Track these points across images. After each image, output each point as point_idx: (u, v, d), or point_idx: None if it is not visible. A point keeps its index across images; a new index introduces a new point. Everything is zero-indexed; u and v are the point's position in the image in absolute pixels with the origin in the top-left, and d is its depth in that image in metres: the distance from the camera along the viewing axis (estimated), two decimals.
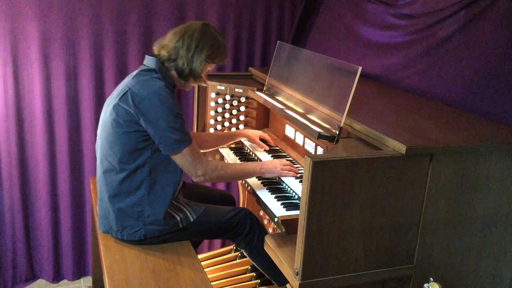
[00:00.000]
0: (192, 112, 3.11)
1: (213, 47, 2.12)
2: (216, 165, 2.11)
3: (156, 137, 1.99)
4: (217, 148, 2.68)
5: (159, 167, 2.08)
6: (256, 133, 2.65)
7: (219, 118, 2.90)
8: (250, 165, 2.22)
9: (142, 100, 1.97)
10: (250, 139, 2.64)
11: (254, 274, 2.72)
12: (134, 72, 2.12)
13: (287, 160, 2.36)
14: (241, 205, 3.19)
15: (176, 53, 2.10)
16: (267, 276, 2.44)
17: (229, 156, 2.66)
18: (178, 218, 2.14)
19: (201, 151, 2.59)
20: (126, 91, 2.01)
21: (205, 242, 3.55)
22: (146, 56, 2.15)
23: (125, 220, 2.11)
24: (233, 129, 2.89)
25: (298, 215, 1.72)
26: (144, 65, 2.15)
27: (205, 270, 2.28)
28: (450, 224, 1.79)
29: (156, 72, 2.08)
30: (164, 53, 2.12)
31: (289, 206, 2.00)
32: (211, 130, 2.93)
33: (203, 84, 2.32)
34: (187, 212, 2.18)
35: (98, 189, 2.20)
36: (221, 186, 3.37)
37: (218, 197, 2.60)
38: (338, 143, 1.91)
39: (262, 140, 2.67)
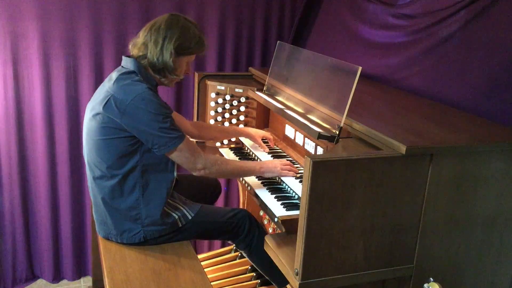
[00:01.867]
0: (192, 112, 3.11)
1: (182, 38, 2.04)
2: (216, 159, 2.10)
3: (149, 140, 1.97)
4: (218, 139, 2.65)
5: (151, 168, 2.06)
6: (258, 133, 2.64)
7: (219, 118, 2.90)
8: (250, 163, 2.22)
9: (127, 106, 1.93)
10: (252, 139, 2.64)
11: (254, 274, 2.72)
12: (114, 76, 2.04)
13: (287, 160, 2.36)
14: (241, 206, 3.19)
15: (145, 48, 2.05)
16: (266, 277, 2.44)
17: (229, 156, 2.66)
18: (176, 217, 2.14)
19: (202, 140, 2.57)
20: (109, 98, 1.95)
21: (205, 242, 3.55)
22: (124, 58, 2.10)
23: (124, 224, 2.11)
24: None
25: (298, 215, 1.72)
26: (123, 67, 2.09)
27: (205, 270, 2.27)
28: (450, 224, 1.79)
29: (136, 74, 2.03)
30: (135, 50, 2.08)
31: (289, 206, 2.00)
32: None
33: (181, 78, 2.19)
34: (184, 210, 2.17)
35: (91, 195, 2.19)
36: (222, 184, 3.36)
37: (204, 185, 2.61)
38: (338, 143, 1.91)
39: (264, 140, 2.67)
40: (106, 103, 1.96)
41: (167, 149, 1.99)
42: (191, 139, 2.08)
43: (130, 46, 2.11)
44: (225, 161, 2.15)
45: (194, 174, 2.09)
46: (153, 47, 2.03)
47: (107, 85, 2.04)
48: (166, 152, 2.01)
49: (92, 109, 2.05)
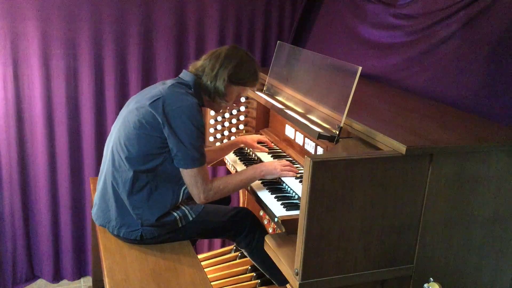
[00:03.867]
0: None
1: (237, 68, 2.16)
2: (218, 186, 2.11)
3: (174, 148, 2.01)
4: (217, 159, 2.66)
5: (165, 176, 2.09)
6: (253, 138, 2.66)
7: (219, 118, 2.90)
8: (249, 172, 2.19)
9: (173, 110, 2.00)
10: (248, 145, 2.64)
11: (254, 274, 2.72)
12: (168, 82, 2.15)
13: (286, 160, 2.36)
14: (241, 205, 3.19)
15: (202, 70, 2.17)
16: (267, 276, 2.45)
17: (230, 157, 2.66)
18: (177, 217, 2.14)
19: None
20: (159, 98, 2.03)
21: (205, 242, 3.55)
22: (184, 71, 2.21)
23: (126, 218, 2.11)
24: (233, 129, 2.89)
25: (298, 215, 1.72)
26: (180, 77, 2.19)
27: (205, 270, 2.28)
28: (450, 224, 1.79)
29: (190, 87, 2.13)
30: (192, 69, 2.20)
31: (289, 206, 2.00)
32: (211, 130, 2.93)
33: (228, 106, 2.35)
34: (186, 211, 2.18)
35: (101, 181, 2.20)
36: None
37: None
38: (338, 143, 1.91)
39: (263, 144, 2.67)
40: (154, 100, 2.03)
41: (184, 165, 2.03)
42: (207, 168, 2.11)
43: (190, 66, 2.24)
44: (225, 184, 2.14)
45: (196, 201, 2.12)
46: (210, 70, 2.16)
47: (159, 87, 2.12)
48: (181, 167, 2.04)
49: (137, 102, 2.11)
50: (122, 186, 2.09)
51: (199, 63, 2.21)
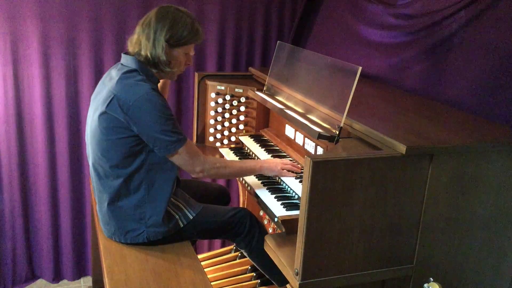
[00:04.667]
0: (192, 112, 3.11)
1: (173, 29, 2.01)
2: (215, 162, 2.11)
3: (150, 141, 1.97)
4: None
5: (156, 167, 2.07)
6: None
7: (219, 118, 2.90)
8: (249, 163, 2.22)
9: (131, 106, 1.93)
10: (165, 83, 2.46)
11: (254, 274, 2.72)
12: (114, 74, 2.03)
13: (287, 159, 2.36)
14: (241, 205, 3.19)
15: (139, 44, 2.04)
16: (267, 276, 2.44)
17: (229, 156, 2.66)
18: (177, 217, 2.14)
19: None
20: (112, 98, 1.95)
21: (205, 242, 3.55)
22: (123, 55, 2.08)
23: (127, 224, 2.10)
24: (233, 129, 2.89)
25: (298, 215, 1.72)
26: (123, 64, 2.07)
27: (205, 270, 2.28)
28: (450, 224, 1.79)
29: (138, 72, 2.02)
30: (131, 48, 2.07)
31: (289, 206, 2.00)
32: (211, 130, 2.93)
33: (181, 70, 2.15)
34: (185, 210, 2.18)
35: (96, 196, 2.18)
36: (221, 182, 3.36)
37: (215, 192, 2.60)
38: (338, 143, 1.91)
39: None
40: (109, 102, 1.95)
41: (167, 152, 2.00)
42: (192, 142, 2.07)
43: (128, 44, 2.10)
44: (224, 164, 2.14)
45: (193, 176, 2.10)
46: (146, 41, 2.01)
47: (108, 84, 2.02)
48: (166, 154, 2.01)
49: (95, 110, 2.04)
50: (115, 194, 2.07)
51: (135, 37, 2.05)
